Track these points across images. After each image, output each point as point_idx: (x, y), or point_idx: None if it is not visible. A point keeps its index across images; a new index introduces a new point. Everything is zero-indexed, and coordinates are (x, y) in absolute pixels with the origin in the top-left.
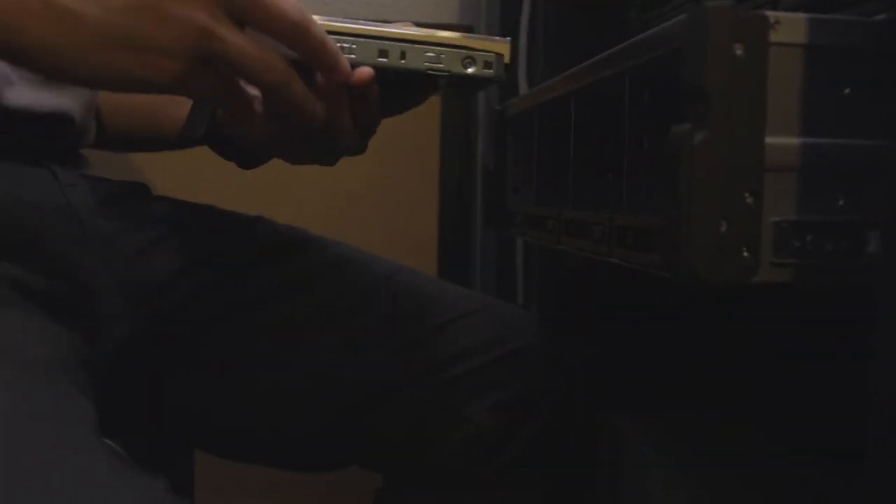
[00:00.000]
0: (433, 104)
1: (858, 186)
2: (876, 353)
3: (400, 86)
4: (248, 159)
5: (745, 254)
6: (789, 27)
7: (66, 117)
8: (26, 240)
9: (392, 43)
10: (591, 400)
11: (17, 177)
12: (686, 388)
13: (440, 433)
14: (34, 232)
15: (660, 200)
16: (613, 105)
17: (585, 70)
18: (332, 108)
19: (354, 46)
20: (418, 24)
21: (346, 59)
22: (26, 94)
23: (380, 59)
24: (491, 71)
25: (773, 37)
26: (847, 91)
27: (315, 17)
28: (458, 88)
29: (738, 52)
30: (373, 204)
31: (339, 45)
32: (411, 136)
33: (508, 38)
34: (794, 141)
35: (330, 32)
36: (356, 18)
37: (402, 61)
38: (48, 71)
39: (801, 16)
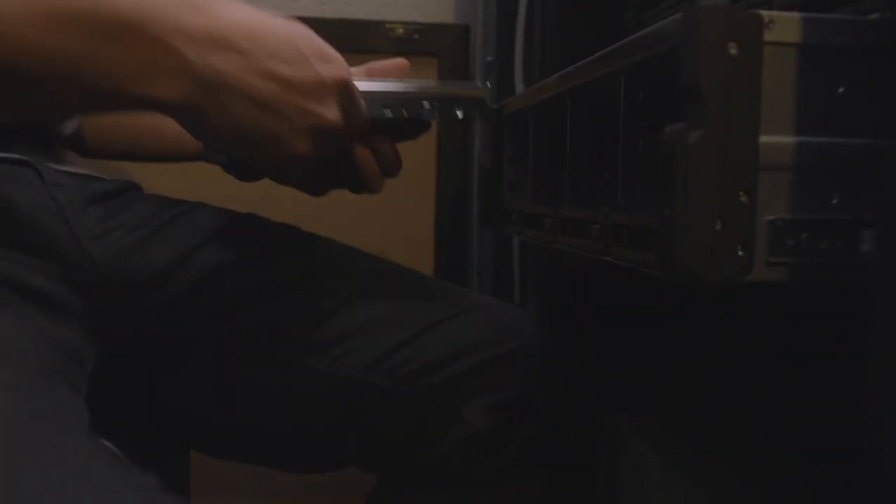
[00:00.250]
0: None
1: (853, 185)
2: (872, 351)
3: (401, 127)
4: (250, 174)
5: (740, 252)
6: (783, 26)
7: None
8: (18, 239)
9: (394, 99)
10: (589, 400)
11: (3, 177)
12: (684, 387)
13: (438, 433)
14: (25, 231)
15: (655, 199)
16: (609, 104)
17: (581, 69)
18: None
19: (363, 102)
20: (416, 24)
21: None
22: None
23: (385, 111)
24: (476, 114)
25: (768, 36)
26: (841, 90)
27: None
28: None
29: (733, 51)
30: (369, 202)
31: None
32: None
33: (489, 85)
34: (789, 140)
35: None
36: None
37: (403, 111)
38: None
39: (795, 15)
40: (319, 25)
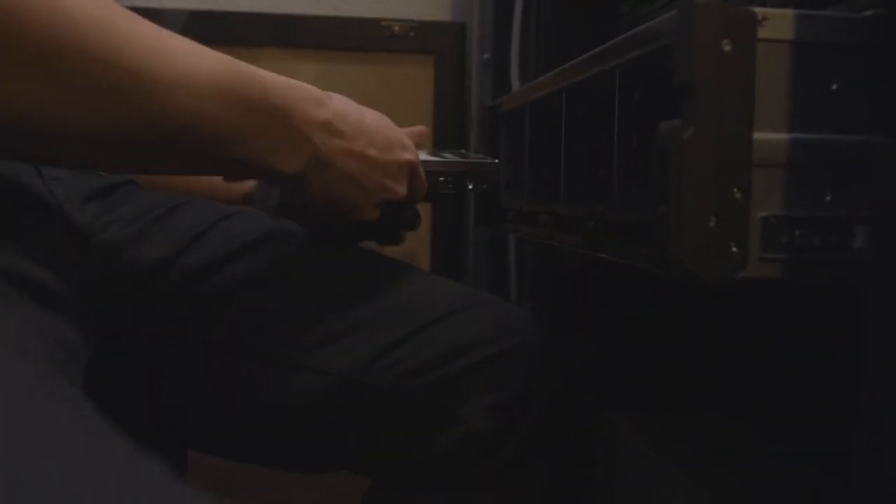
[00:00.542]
0: (426, 103)
1: (846, 182)
2: (866, 347)
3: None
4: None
5: (734, 249)
6: (777, 23)
7: None
8: (15, 233)
9: (445, 173)
10: (588, 399)
11: (1, 171)
12: (683, 386)
13: (436, 433)
14: (23, 225)
15: (650, 196)
16: (604, 101)
17: (576, 66)
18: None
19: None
20: (412, 21)
21: None
22: None
23: (437, 184)
24: (485, 186)
25: (761, 33)
26: (835, 87)
27: None
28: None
29: (727, 48)
30: None
31: None
32: None
33: (496, 161)
34: (783, 137)
35: None
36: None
37: (449, 184)
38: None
39: (788, 12)
40: (316, 23)
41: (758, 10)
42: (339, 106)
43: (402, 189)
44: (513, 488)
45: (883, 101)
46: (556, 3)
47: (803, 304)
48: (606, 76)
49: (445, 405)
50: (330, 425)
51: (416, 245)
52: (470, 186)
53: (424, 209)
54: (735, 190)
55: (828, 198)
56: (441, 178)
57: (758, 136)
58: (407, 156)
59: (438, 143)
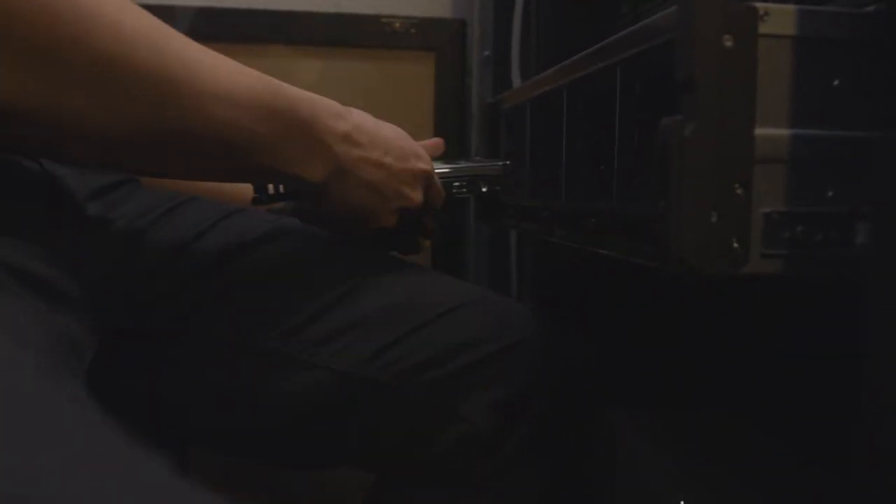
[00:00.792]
0: (427, 100)
1: (848, 177)
2: (865, 344)
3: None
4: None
5: (735, 245)
6: (779, 19)
7: None
8: (18, 228)
9: (461, 180)
10: (588, 396)
11: (5, 169)
12: (683, 384)
13: (436, 431)
14: (26, 221)
15: (651, 192)
16: (605, 97)
17: (577, 63)
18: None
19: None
20: (413, 18)
21: None
22: None
23: (453, 190)
24: (497, 187)
25: (763, 28)
26: (837, 82)
27: None
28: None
29: (728, 43)
30: None
31: None
32: (405, 131)
33: (508, 163)
34: (784, 132)
35: None
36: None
37: (464, 189)
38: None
39: (790, 7)
40: (317, 20)
41: (759, 5)
42: (358, 119)
43: (418, 196)
44: (513, 486)
45: (885, 97)
46: (555, 0)
47: (804, 301)
48: (608, 72)
49: (446, 403)
50: (331, 422)
51: None
52: (484, 189)
53: None
54: (736, 186)
55: (829, 194)
56: (456, 184)
57: (759, 131)
58: (422, 165)
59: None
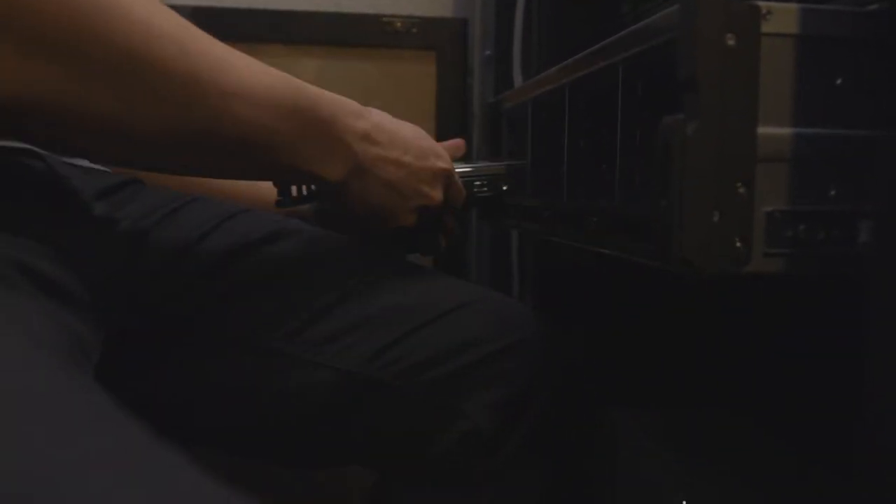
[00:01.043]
0: (428, 99)
1: (850, 176)
2: (867, 343)
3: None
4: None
5: (738, 244)
6: (781, 17)
7: None
8: (28, 228)
9: (481, 179)
10: (589, 395)
11: (12, 167)
12: (685, 383)
13: (438, 430)
14: (35, 221)
15: (653, 191)
16: (607, 96)
17: (579, 62)
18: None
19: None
20: (414, 17)
21: None
22: None
23: (474, 190)
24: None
25: (765, 27)
26: (839, 81)
27: None
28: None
29: (730, 42)
30: None
31: None
32: None
33: (523, 162)
34: (787, 131)
35: None
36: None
37: (485, 188)
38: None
39: (792, 6)
40: (318, 19)
41: (762, 3)
42: (378, 119)
43: (437, 195)
44: (514, 485)
45: (887, 96)
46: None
47: (806, 300)
48: (609, 71)
49: (448, 402)
50: (332, 421)
51: None
52: (505, 188)
53: None
54: (738, 185)
55: (832, 193)
56: (477, 183)
57: (761, 130)
58: (441, 164)
59: (440, 139)
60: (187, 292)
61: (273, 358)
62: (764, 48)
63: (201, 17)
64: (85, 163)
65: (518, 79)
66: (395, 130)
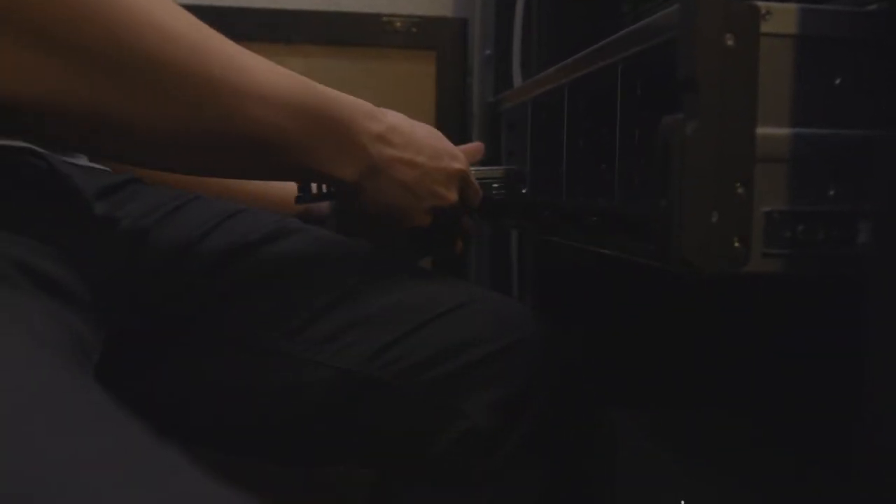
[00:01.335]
0: (427, 99)
1: (850, 176)
2: (866, 343)
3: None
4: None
5: (737, 244)
6: (780, 17)
7: None
8: (29, 227)
9: (498, 180)
10: (588, 395)
11: (14, 166)
12: (684, 383)
13: (437, 429)
14: (36, 220)
15: (652, 190)
16: (607, 96)
17: (578, 62)
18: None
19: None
20: (414, 17)
21: None
22: None
23: (491, 191)
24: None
25: (765, 27)
26: (838, 81)
27: None
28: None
29: (730, 42)
30: None
31: None
32: None
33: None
34: (786, 131)
35: None
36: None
37: (502, 189)
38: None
39: (792, 6)
40: (318, 19)
41: (761, 4)
42: (393, 120)
43: (451, 196)
44: (513, 485)
45: (886, 96)
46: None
47: (804, 300)
48: (609, 71)
49: (447, 401)
50: (332, 420)
51: None
52: (524, 190)
53: None
54: (737, 185)
55: (831, 193)
56: (495, 185)
57: (761, 130)
58: (456, 165)
59: None
60: (187, 291)
61: (273, 357)
62: (763, 48)
63: (200, 17)
64: (85, 162)
65: (518, 79)
66: (409, 131)
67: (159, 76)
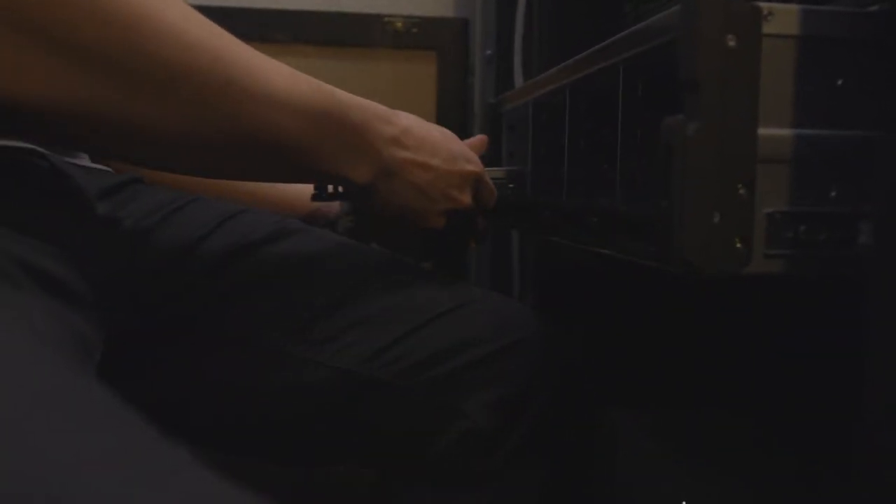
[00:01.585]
0: (429, 99)
1: (851, 177)
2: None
3: None
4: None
5: (738, 245)
6: (782, 18)
7: None
8: (31, 227)
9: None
10: (588, 395)
11: (17, 166)
12: (684, 383)
13: (437, 429)
14: (38, 220)
15: (654, 191)
16: (608, 97)
17: (580, 62)
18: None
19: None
20: (415, 17)
21: None
22: None
23: (507, 190)
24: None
25: (766, 28)
26: (840, 82)
27: None
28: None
29: (731, 43)
30: None
31: None
32: None
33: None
34: (787, 132)
35: None
36: None
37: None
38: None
39: (793, 7)
40: (319, 19)
41: (763, 4)
42: (407, 122)
43: (465, 198)
44: (513, 485)
45: (887, 97)
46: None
47: (805, 300)
48: (610, 72)
49: (447, 401)
50: (332, 420)
51: None
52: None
53: None
54: (739, 186)
55: (833, 194)
56: (511, 185)
57: (762, 131)
58: (471, 167)
59: None
60: (188, 291)
61: (273, 357)
62: (765, 49)
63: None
64: (87, 162)
65: (519, 79)
66: (423, 134)
67: (182, 84)
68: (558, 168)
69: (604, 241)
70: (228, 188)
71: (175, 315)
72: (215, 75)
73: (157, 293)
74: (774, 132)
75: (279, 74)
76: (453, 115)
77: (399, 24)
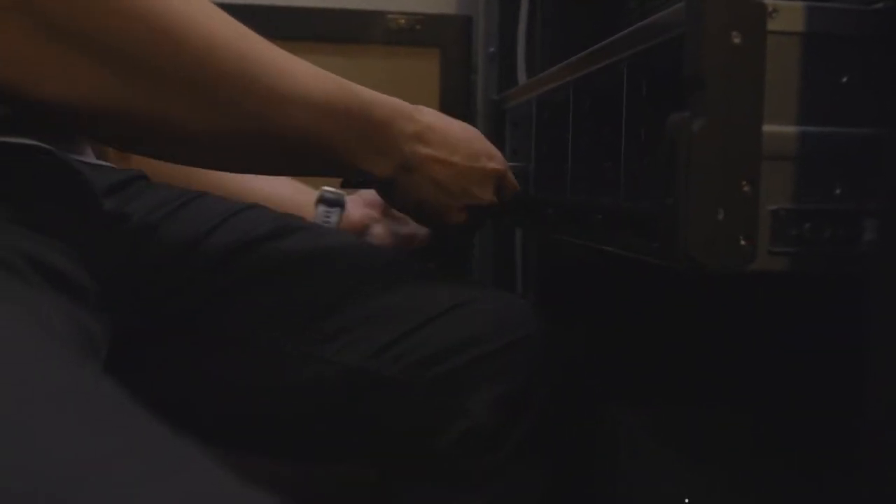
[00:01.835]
0: (432, 97)
1: (856, 175)
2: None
3: None
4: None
5: (743, 242)
6: (787, 15)
7: None
8: (39, 223)
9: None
10: (590, 392)
11: (24, 164)
12: (686, 380)
13: (439, 426)
14: (46, 217)
15: (658, 188)
16: (612, 94)
17: (584, 59)
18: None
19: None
20: (418, 14)
21: None
22: None
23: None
24: None
25: (771, 25)
26: (845, 79)
27: None
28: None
29: (736, 40)
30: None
31: None
32: None
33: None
34: (792, 129)
35: None
36: None
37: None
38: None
39: (798, 4)
40: (321, 16)
41: (768, 1)
42: (429, 119)
43: (487, 195)
44: (515, 482)
45: (892, 94)
46: None
47: (808, 297)
48: (614, 69)
49: (449, 399)
50: (335, 417)
51: None
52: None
53: None
54: (744, 182)
55: (837, 191)
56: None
57: (767, 128)
58: (493, 165)
59: None
60: (191, 288)
61: (275, 354)
62: (770, 46)
63: None
64: (92, 159)
65: (522, 76)
66: (445, 131)
67: (210, 84)
68: (562, 165)
69: (607, 238)
70: (236, 187)
71: (176, 311)
72: (241, 74)
73: (159, 289)
74: (779, 129)
75: (304, 73)
76: (456, 112)
77: (402, 21)
